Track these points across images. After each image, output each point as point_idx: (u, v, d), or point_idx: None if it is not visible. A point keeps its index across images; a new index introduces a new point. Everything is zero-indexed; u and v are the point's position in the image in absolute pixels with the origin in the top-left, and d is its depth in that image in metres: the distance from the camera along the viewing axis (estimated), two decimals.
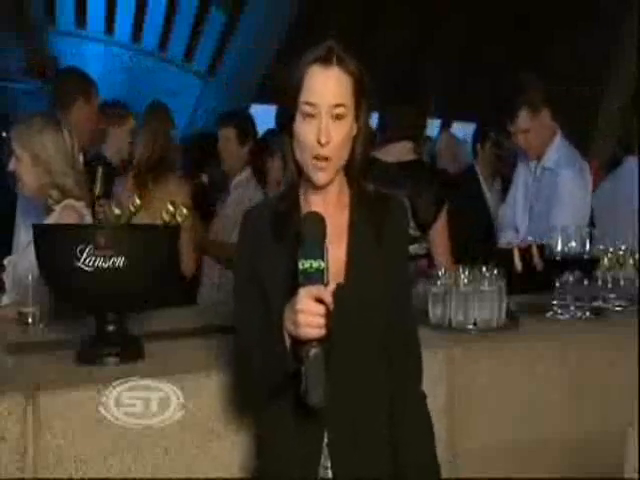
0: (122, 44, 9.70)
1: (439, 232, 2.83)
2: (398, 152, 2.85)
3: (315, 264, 1.31)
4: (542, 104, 3.13)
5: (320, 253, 1.32)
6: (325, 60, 1.44)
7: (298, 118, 1.45)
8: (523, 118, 3.13)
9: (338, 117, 1.44)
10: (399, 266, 1.56)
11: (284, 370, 1.38)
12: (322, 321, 1.30)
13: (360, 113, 1.49)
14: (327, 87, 1.44)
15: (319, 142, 1.42)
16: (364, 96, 1.49)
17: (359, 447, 1.48)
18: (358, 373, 1.49)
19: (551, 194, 3.11)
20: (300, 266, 1.31)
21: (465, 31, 8.65)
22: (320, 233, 1.34)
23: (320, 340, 1.31)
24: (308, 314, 1.30)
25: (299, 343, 1.32)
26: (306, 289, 1.30)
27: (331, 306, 1.31)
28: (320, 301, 1.30)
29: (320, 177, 1.46)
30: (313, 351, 1.30)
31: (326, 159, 1.44)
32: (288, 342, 1.35)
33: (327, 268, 1.32)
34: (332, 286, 1.33)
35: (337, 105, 1.43)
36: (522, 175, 3.34)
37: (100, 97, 3.46)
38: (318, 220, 1.36)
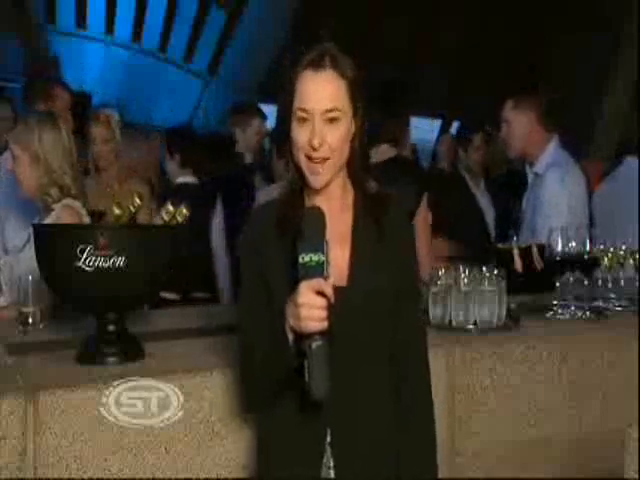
0: (122, 44, 9.71)
1: (420, 224, 2.84)
2: (380, 154, 2.87)
3: (315, 257, 1.32)
4: (529, 104, 3.14)
5: (320, 246, 1.32)
6: (318, 64, 1.44)
7: (293, 122, 1.46)
8: (507, 107, 3.19)
9: (332, 120, 1.44)
10: (404, 263, 1.55)
11: (287, 366, 1.38)
12: (323, 314, 1.31)
13: (357, 113, 1.49)
14: (319, 92, 1.44)
15: (312, 146, 1.43)
16: (360, 97, 1.49)
17: (362, 447, 1.48)
18: (362, 372, 1.49)
19: (535, 199, 3.12)
20: (300, 260, 1.32)
21: (464, 34, 8.65)
22: (320, 227, 1.35)
23: (322, 333, 1.32)
24: (309, 307, 1.31)
25: (301, 337, 1.33)
26: (307, 282, 1.31)
27: (332, 298, 1.32)
28: (321, 294, 1.31)
29: (316, 180, 1.47)
30: (315, 344, 1.31)
31: (322, 161, 1.44)
32: (291, 337, 1.36)
33: (327, 262, 1.33)
34: (332, 280, 1.33)
35: (330, 110, 1.44)
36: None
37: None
38: (318, 214, 1.37)
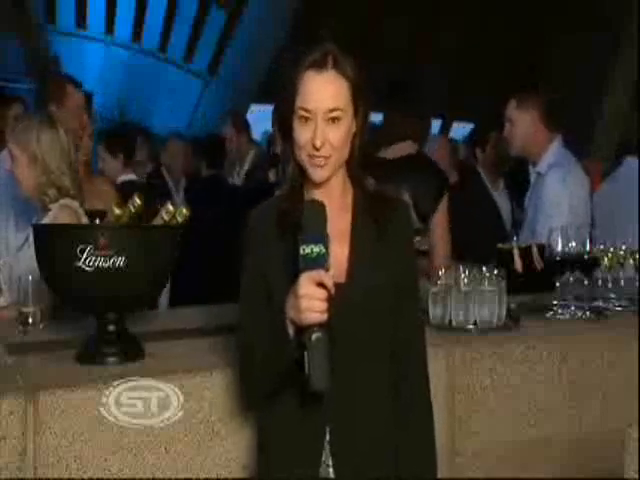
0: (122, 44, 9.72)
1: (439, 223, 2.84)
2: (400, 150, 2.88)
3: (316, 249, 1.32)
4: (532, 103, 3.15)
5: (321, 238, 1.33)
6: (320, 64, 1.45)
7: (295, 122, 1.46)
8: (511, 106, 3.19)
9: (334, 120, 1.45)
10: (405, 263, 1.56)
11: (287, 358, 1.39)
12: (324, 305, 1.32)
13: (358, 113, 1.50)
14: (322, 93, 1.45)
15: (314, 145, 1.44)
16: (361, 97, 1.50)
17: (361, 445, 1.48)
18: (361, 370, 1.49)
19: (537, 199, 3.12)
20: (301, 251, 1.32)
21: (464, 34, 8.65)
22: (321, 219, 1.35)
23: (322, 325, 1.32)
24: (309, 298, 1.31)
25: (301, 330, 1.34)
26: (307, 274, 1.32)
27: (332, 290, 1.32)
28: (322, 286, 1.32)
29: (319, 174, 1.47)
30: (315, 335, 1.31)
31: (324, 158, 1.45)
32: (291, 330, 1.36)
33: (328, 253, 1.33)
34: (332, 272, 1.34)
35: (332, 109, 1.44)
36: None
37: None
38: (319, 206, 1.37)
